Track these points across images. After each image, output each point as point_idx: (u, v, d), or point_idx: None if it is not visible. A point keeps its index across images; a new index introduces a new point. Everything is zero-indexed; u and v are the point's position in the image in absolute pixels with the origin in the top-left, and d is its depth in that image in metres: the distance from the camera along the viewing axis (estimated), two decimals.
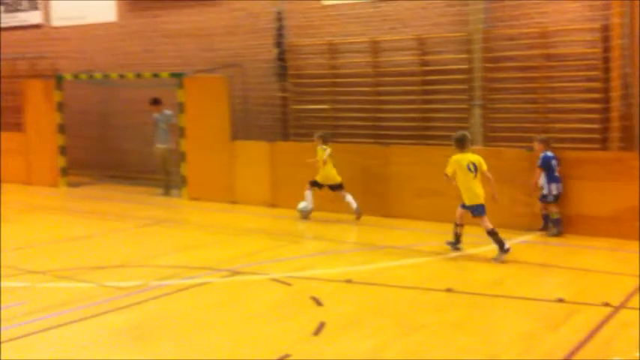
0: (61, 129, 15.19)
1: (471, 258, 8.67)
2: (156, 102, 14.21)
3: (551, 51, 11.23)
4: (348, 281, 7.57)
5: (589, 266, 8.21)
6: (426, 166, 11.03)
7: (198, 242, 9.99)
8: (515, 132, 11.28)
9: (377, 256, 8.97)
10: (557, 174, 9.81)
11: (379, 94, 12.90)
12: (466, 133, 9.13)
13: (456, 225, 8.89)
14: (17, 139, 16.22)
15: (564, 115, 11.07)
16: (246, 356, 5.50)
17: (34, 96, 15.80)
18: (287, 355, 5.40)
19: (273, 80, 13.88)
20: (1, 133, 17.13)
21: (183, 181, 13.67)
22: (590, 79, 10.88)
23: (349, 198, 11.07)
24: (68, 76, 15.49)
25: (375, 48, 12.87)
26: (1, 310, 6.56)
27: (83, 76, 15.43)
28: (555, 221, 9.78)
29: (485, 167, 8.70)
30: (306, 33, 13.61)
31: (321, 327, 6.04)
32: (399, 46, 12.69)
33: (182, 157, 13.64)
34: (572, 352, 5.45)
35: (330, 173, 11.17)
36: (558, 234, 9.71)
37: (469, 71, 11.81)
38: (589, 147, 10.61)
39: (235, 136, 13.34)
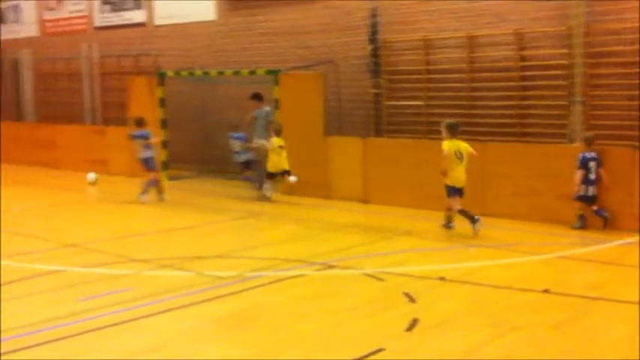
0: (163, 124, 15.77)
1: (570, 259, 8.44)
2: (257, 97, 14.28)
3: None
4: (442, 279, 7.53)
5: None
6: (524, 164, 10.82)
7: (293, 236, 10.18)
8: (617, 130, 10.87)
9: (472, 255, 8.88)
10: (593, 176, 9.76)
11: (474, 90, 12.71)
12: (457, 121, 10.15)
13: (464, 212, 9.73)
14: (122, 133, 16.95)
15: None
16: (340, 348, 5.58)
17: (138, 92, 16.48)
18: (380, 349, 5.44)
19: (367, 77, 13.91)
20: (107, 127, 18.04)
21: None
22: None
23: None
24: (170, 73, 16.07)
25: (471, 43, 12.68)
26: (107, 296, 6.92)
27: (184, 73, 15.98)
28: (602, 217, 9.83)
29: (470, 149, 9.77)
30: (400, 29, 13.57)
31: (414, 323, 6.05)
32: (495, 41, 12.45)
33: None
34: None
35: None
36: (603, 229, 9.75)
37: (569, 67, 11.44)
38: None
39: (328, 132, 13.48)
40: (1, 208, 12.42)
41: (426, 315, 6.29)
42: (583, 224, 10.04)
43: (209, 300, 6.84)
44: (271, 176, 12.94)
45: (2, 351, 5.40)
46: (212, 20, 16.77)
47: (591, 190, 9.91)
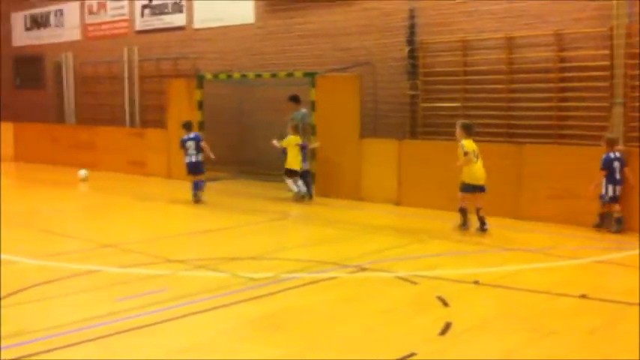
0: (201, 126, 15.94)
1: (606, 263, 8.29)
2: (295, 99, 14.39)
3: None
4: (476, 282, 7.46)
5: None
6: (562, 166, 10.67)
7: (326, 238, 10.19)
8: None
9: (507, 259, 8.77)
10: (618, 176, 9.87)
11: (513, 91, 12.57)
12: (471, 122, 10.63)
13: (462, 209, 10.19)
14: (160, 135, 17.22)
15: None
16: (372, 351, 5.57)
17: (177, 95, 16.69)
18: (413, 354, 5.41)
19: (403, 78, 13.88)
20: (146, 130, 18.31)
21: (312, 178, 13.95)
22: None
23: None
24: (208, 76, 16.24)
25: (510, 44, 12.55)
26: (143, 296, 7.02)
27: (222, 76, 16.13)
28: (617, 220, 9.91)
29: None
30: (438, 30, 13.49)
31: (447, 327, 6.00)
32: (535, 42, 12.30)
33: (312, 154, 13.94)
34: None
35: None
36: (618, 231, 9.87)
37: (610, 68, 11.24)
38: None
39: (364, 133, 13.46)
40: (41, 208, 12.71)
41: (459, 319, 6.23)
42: (603, 222, 10.15)
43: (244, 301, 6.88)
44: (293, 174, 13.15)
45: (40, 350, 5.52)
46: (250, 23, 16.89)
47: (616, 190, 10.01)
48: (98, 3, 21.13)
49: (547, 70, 12.12)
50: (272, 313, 6.56)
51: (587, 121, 11.56)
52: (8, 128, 22.07)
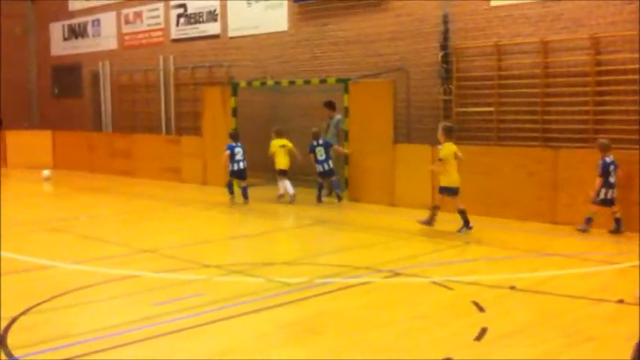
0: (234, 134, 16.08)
1: None
2: (329, 105, 14.61)
3: None
4: (512, 288, 7.41)
5: None
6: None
7: (360, 242, 10.21)
8: None
9: (543, 264, 8.69)
10: (612, 179, 10.08)
11: (548, 95, 12.46)
12: (453, 124, 10.95)
13: (434, 207, 10.54)
14: (195, 142, 17.42)
15: None
16: (407, 356, 5.56)
17: (212, 102, 16.87)
18: (448, 359, 5.40)
19: (437, 83, 13.84)
20: (181, 137, 18.54)
21: (345, 183, 13.99)
22: None
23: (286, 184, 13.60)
24: (242, 83, 16.39)
25: (545, 48, 12.45)
26: (180, 301, 7.11)
27: (256, 83, 16.27)
28: (616, 220, 10.16)
29: (459, 153, 10.45)
30: (472, 35, 13.45)
31: (483, 333, 5.97)
32: (571, 46, 12.18)
33: (345, 159, 13.97)
34: None
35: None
36: (616, 232, 10.12)
37: None
38: None
39: (397, 139, 13.46)
40: (79, 214, 12.96)
41: (495, 324, 6.20)
42: (589, 226, 10.28)
43: (278, 306, 6.94)
44: (283, 173, 13.99)
45: (81, 353, 5.63)
46: (284, 30, 17.01)
47: (610, 194, 10.18)
48: (134, 12, 21.49)
49: (583, 74, 11.99)
50: (306, 317, 6.59)
51: (623, 125, 11.40)
52: (47, 136, 22.55)
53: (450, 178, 10.47)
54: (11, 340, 5.85)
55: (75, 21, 23.87)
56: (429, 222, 10.58)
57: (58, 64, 24.77)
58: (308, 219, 12.17)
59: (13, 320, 6.37)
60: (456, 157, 10.48)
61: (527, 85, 12.69)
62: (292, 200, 13.73)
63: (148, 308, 6.83)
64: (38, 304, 6.88)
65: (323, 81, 14.80)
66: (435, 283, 7.69)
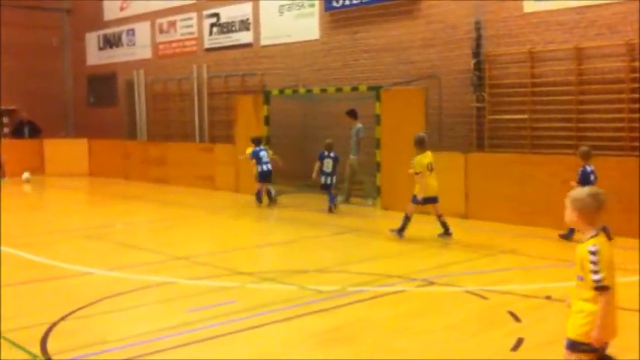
0: (268, 141, 16.18)
1: None
2: (351, 114, 14.71)
3: None
4: (548, 298, 7.33)
5: None
6: (635, 178, 10.36)
7: (392, 251, 10.18)
8: None
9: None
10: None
11: (582, 103, 12.32)
12: (425, 134, 10.90)
13: (407, 217, 10.54)
14: (228, 150, 17.56)
15: None
16: None
17: (244, 110, 17.00)
18: None
19: (469, 91, 13.78)
20: (214, 145, 18.70)
21: (377, 191, 13.97)
22: None
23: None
24: (274, 92, 16.50)
25: (579, 55, 12.32)
26: (214, 308, 7.17)
27: (288, 92, 16.36)
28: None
29: (433, 164, 10.52)
30: (504, 42, 13.37)
31: (519, 343, 5.92)
32: (605, 53, 12.04)
33: (377, 167, 13.96)
34: None
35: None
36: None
37: None
38: None
39: (429, 147, 13.37)
40: (115, 221, 13.14)
41: (531, 334, 6.14)
42: (572, 234, 10.06)
43: (311, 314, 6.95)
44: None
45: (116, 359, 5.72)
46: (315, 39, 17.08)
47: None
48: (168, 22, 21.78)
49: (618, 81, 11.84)
50: (339, 325, 6.60)
51: None
52: (83, 144, 22.94)
53: (428, 188, 10.49)
54: (50, 346, 5.96)
55: (110, 31, 24.27)
56: (400, 231, 10.65)
57: (93, 74, 25.20)
58: (339, 227, 12.18)
59: (53, 326, 6.50)
60: (428, 168, 10.52)
61: (561, 92, 12.57)
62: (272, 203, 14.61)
63: (181, 315, 6.91)
64: (76, 310, 7.01)
65: (355, 89, 14.83)
66: (469, 292, 7.64)
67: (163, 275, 8.60)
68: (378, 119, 13.95)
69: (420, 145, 10.60)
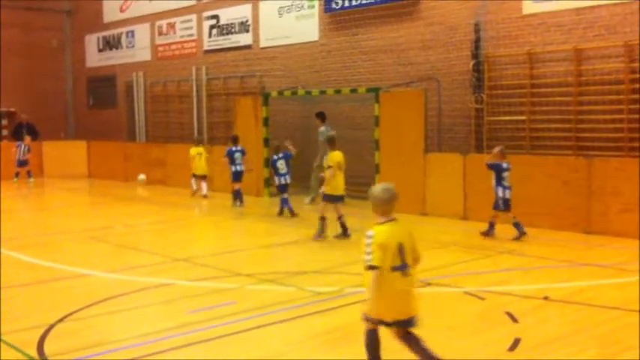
0: (266, 143, 16.21)
1: None
2: (320, 116, 15.17)
3: None
4: (546, 298, 7.34)
5: None
6: (634, 179, 10.38)
7: None
8: None
9: (577, 274, 8.59)
10: (507, 183, 10.62)
11: (581, 103, 12.34)
12: (335, 134, 11.34)
13: (322, 218, 10.76)
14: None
15: None
16: None
17: (244, 112, 17.02)
18: None
19: (468, 92, 13.79)
20: (213, 146, 18.69)
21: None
22: None
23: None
24: (274, 93, 16.51)
25: (578, 56, 12.34)
26: (213, 309, 7.18)
27: (287, 93, 16.38)
28: (516, 225, 10.50)
29: (342, 163, 10.78)
30: (503, 43, 13.39)
31: (516, 343, 5.93)
32: (605, 54, 12.06)
33: (376, 169, 13.98)
34: None
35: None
36: (518, 239, 10.44)
37: None
38: None
39: (427, 148, 13.42)
40: (115, 223, 13.16)
41: (529, 335, 6.15)
42: (492, 231, 10.67)
43: (310, 315, 6.96)
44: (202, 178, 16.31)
45: None
46: (314, 40, 17.10)
47: (507, 194, 10.57)
48: (168, 24, 21.80)
49: (617, 82, 11.86)
50: (339, 326, 6.61)
51: None
52: (82, 146, 22.96)
53: (335, 185, 10.72)
54: (48, 348, 5.97)
55: (109, 33, 24.29)
56: (320, 234, 10.84)
57: (93, 76, 25.23)
58: (339, 228, 12.16)
59: (51, 327, 6.50)
60: (339, 167, 10.75)
61: (560, 93, 12.58)
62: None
63: (182, 316, 6.91)
64: (75, 312, 7.02)
65: (354, 90, 14.85)
66: (467, 293, 7.65)
67: (163, 277, 8.61)
68: (377, 121, 13.97)
69: (331, 144, 10.93)
